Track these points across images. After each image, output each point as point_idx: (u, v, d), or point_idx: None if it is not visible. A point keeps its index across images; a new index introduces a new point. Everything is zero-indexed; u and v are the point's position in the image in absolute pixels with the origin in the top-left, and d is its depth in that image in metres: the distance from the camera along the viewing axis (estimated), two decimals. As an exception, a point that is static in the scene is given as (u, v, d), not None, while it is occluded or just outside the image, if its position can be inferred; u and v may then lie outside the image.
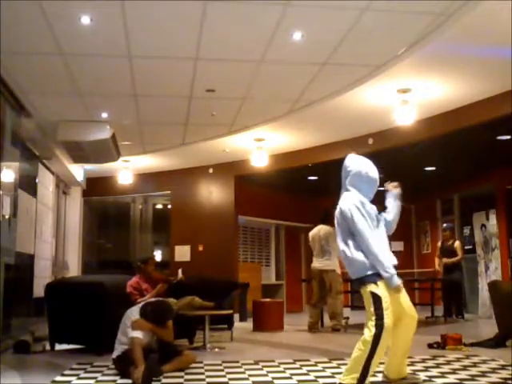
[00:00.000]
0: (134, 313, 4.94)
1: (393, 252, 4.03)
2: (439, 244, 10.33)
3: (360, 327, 3.91)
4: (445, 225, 10.71)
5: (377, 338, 3.63)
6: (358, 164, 3.98)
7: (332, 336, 7.68)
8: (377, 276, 3.76)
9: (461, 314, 9.75)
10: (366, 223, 3.80)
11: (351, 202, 3.86)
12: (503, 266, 9.75)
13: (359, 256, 3.80)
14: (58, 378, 4.61)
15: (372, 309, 3.72)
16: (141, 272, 6.44)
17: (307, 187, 11.76)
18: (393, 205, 4.10)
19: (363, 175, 3.92)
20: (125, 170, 10.21)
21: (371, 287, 3.75)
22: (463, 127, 7.08)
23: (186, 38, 5.11)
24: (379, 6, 4.52)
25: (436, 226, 12.33)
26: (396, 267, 3.82)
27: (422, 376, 4.45)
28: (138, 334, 4.69)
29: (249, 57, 5.56)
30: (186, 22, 4.78)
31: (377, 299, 3.72)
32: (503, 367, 4.87)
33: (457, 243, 9.96)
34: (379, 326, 3.64)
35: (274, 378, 4.49)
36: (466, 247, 10.77)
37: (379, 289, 3.73)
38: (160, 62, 5.68)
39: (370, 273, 3.78)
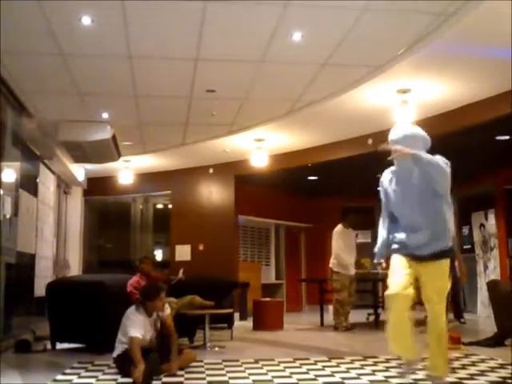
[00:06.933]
0: (134, 312, 4.94)
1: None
2: None
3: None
4: None
5: None
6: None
7: (332, 335, 7.70)
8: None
9: (459, 316, 8.65)
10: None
11: None
12: (502, 266, 9.75)
13: None
14: (59, 377, 4.63)
15: None
16: (138, 271, 6.47)
17: (307, 187, 11.76)
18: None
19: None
20: (125, 170, 10.23)
21: None
22: (463, 127, 7.08)
23: (186, 39, 5.12)
24: (379, 6, 4.54)
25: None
26: None
27: (421, 375, 4.45)
28: (137, 334, 4.68)
29: (249, 57, 5.57)
30: (185, 22, 4.80)
31: None
32: (502, 366, 4.89)
33: None
34: None
35: (273, 377, 4.51)
36: (464, 247, 10.72)
37: None
38: (160, 62, 5.69)
39: None
